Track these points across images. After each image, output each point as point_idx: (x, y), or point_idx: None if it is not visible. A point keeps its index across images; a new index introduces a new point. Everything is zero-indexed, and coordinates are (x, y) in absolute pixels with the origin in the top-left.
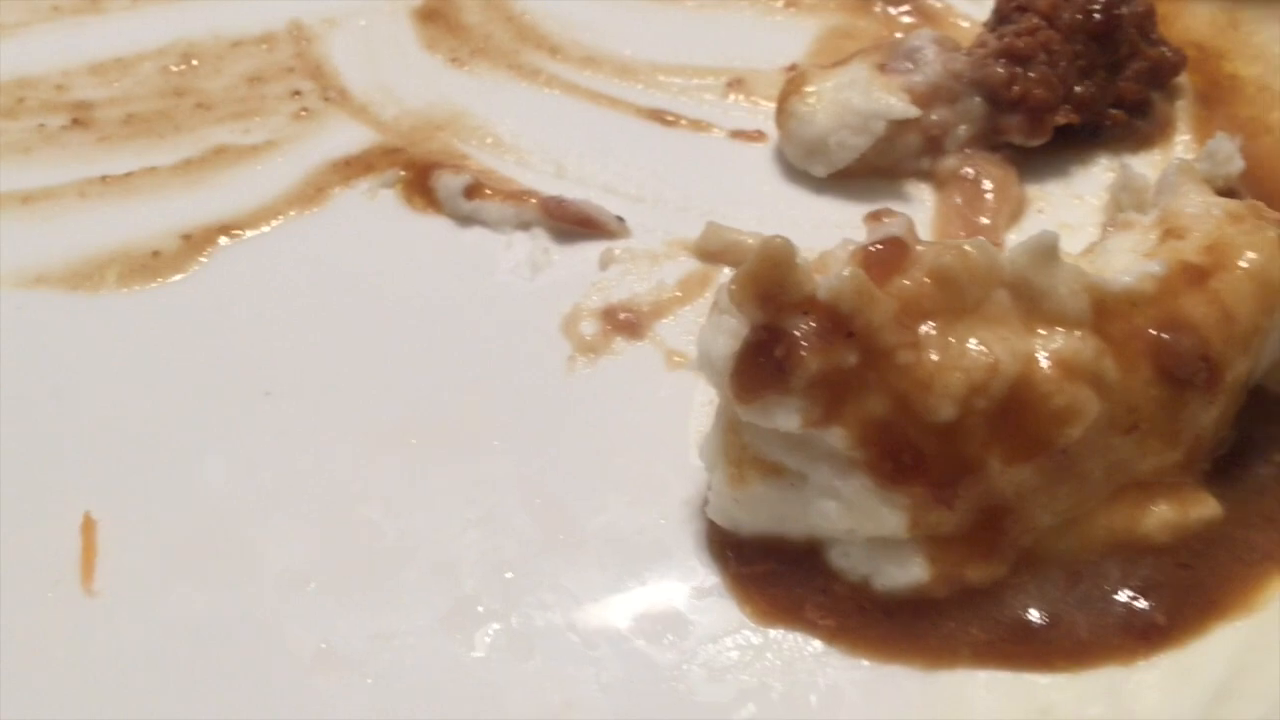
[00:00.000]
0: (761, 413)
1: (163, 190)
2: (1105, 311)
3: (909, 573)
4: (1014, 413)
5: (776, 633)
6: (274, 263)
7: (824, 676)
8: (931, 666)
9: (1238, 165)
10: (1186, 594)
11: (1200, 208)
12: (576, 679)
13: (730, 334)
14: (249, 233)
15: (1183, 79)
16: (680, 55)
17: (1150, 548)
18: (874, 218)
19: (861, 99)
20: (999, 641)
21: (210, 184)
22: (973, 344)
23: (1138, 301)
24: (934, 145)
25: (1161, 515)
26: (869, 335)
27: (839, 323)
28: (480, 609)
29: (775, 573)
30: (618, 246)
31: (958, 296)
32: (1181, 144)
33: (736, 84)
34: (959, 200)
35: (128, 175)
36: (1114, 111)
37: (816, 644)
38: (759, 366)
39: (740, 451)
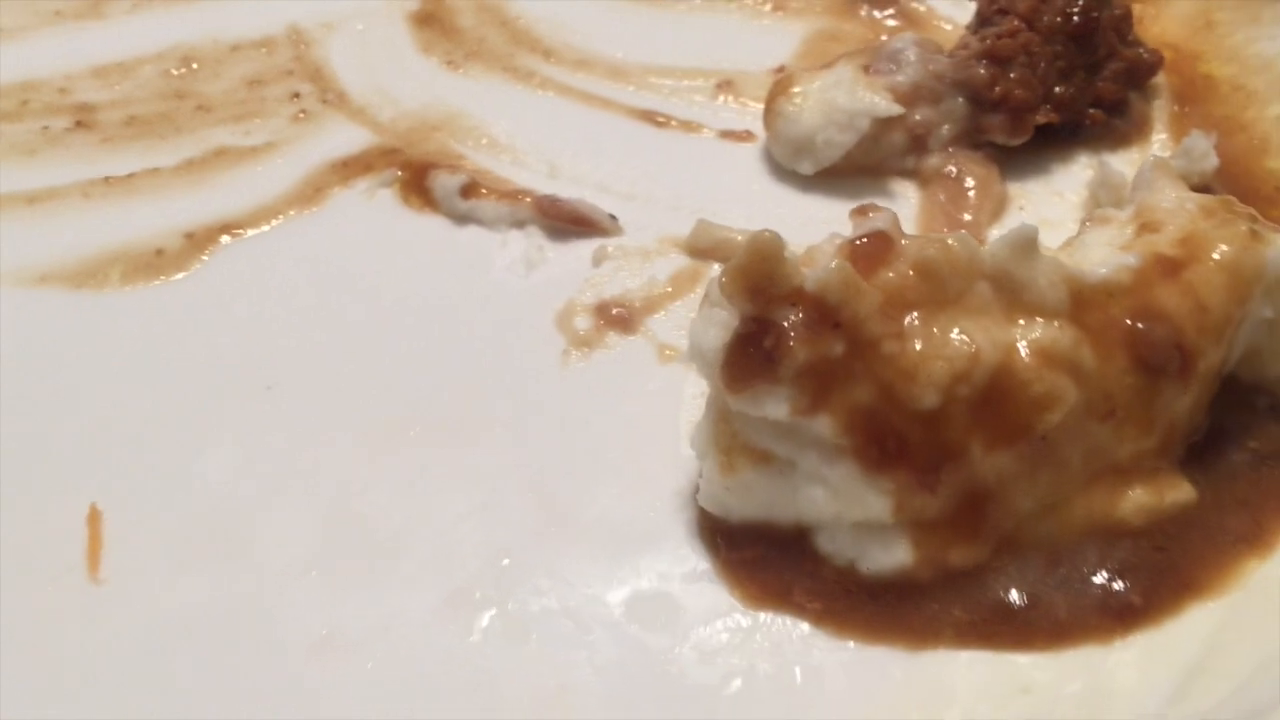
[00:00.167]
0: (751, 402)
1: (165, 190)
2: (1083, 302)
3: (894, 556)
4: (995, 400)
5: (766, 615)
6: (275, 261)
7: (812, 657)
8: (916, 647)
9: (1212, 162)
10: (1162, 575)
11: (1175, 203)
12: (571, 662)
13: (721, 326)
14: (250, 231)
15: (1159, 79)
16: (670, 58)
17: (1127, 531)
18: (860, 212)
19: (847, 98)
20: (981, 622)
21: (211, 184)
22: (955, 334)
23: (1114, 292)
24: (918, 144)
25: (1137, 500)
26: (855, 326)
27: (826, 314)
28: (477, 595)
29: (764, 557)
30: (610, 244)
31: (941, 288)
32: (1158, 142)
33: (725, 86)
34: (942, 198)
35: (130, 176)
36: (1093, 111)
37: (804, 626)
38: (748, 357)
39: (730, 440)
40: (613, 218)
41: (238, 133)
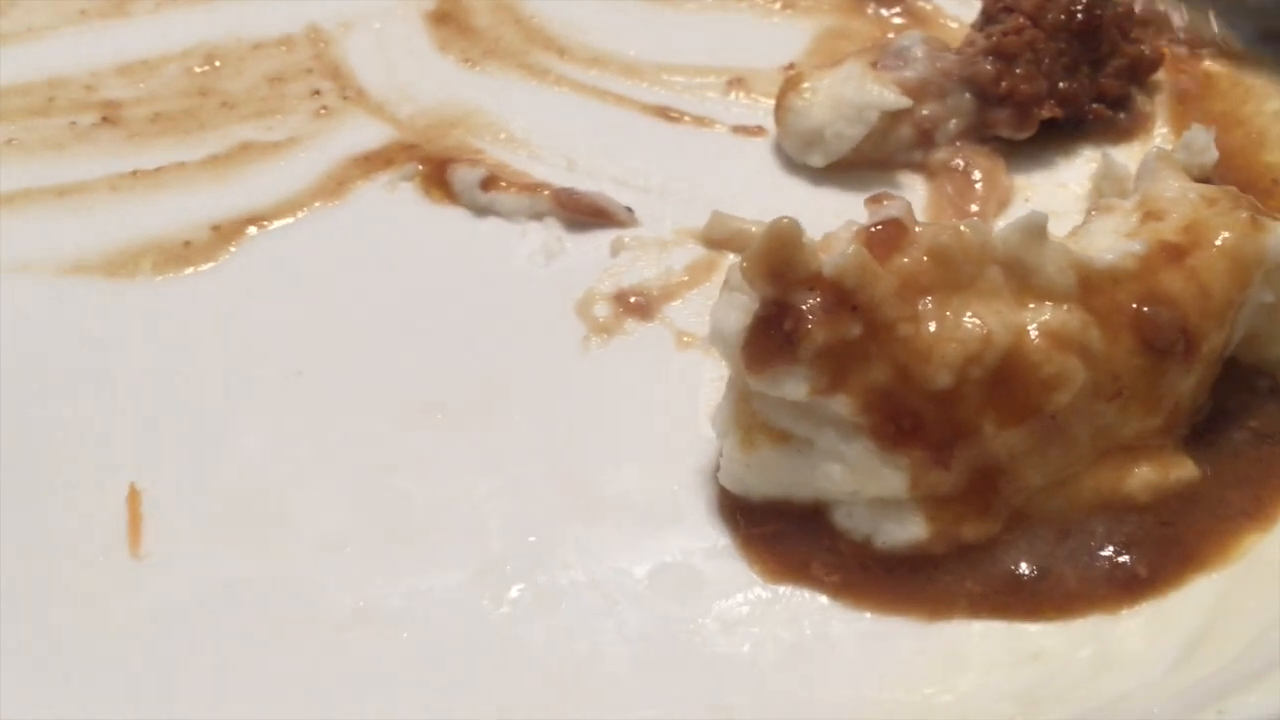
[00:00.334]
0: (771, 382)
1: (191, 184)
2: (1090, 287)
3: (909, 531)
4: (1006, 380)
5: (785, 589)
6: (300, 252)
7: (829, 628)
8: (930, 617)
9: (1212, 155)
10: (1167, 549)
11: (1178, 192)
12: (599, 631)
13: (741, 309)
14: (275, 224)
15: (1160, 75)
16: (683, 55)
17: (1133, 506)
18: (875, 200)
19: (855, 92)
20: (993, 594)
21: (237, 178)
22: (968, 317)
23: (1120, 278)
24: (925, 138)
25: (1143, 476)
26: (871, 309)
27: (843, 298)
28: (508, 568)
29: (783, 533)
30: (627, 235)
31: (953, 273)
32: (1160, 136)
33: (737, 82)
34: (950, 190)
35: (158, 170)
36: (1096, 106)
37: (822, 598)
38: (768, 339)
39: (750, 419)
40: (629, 210)
41: (260, 128)
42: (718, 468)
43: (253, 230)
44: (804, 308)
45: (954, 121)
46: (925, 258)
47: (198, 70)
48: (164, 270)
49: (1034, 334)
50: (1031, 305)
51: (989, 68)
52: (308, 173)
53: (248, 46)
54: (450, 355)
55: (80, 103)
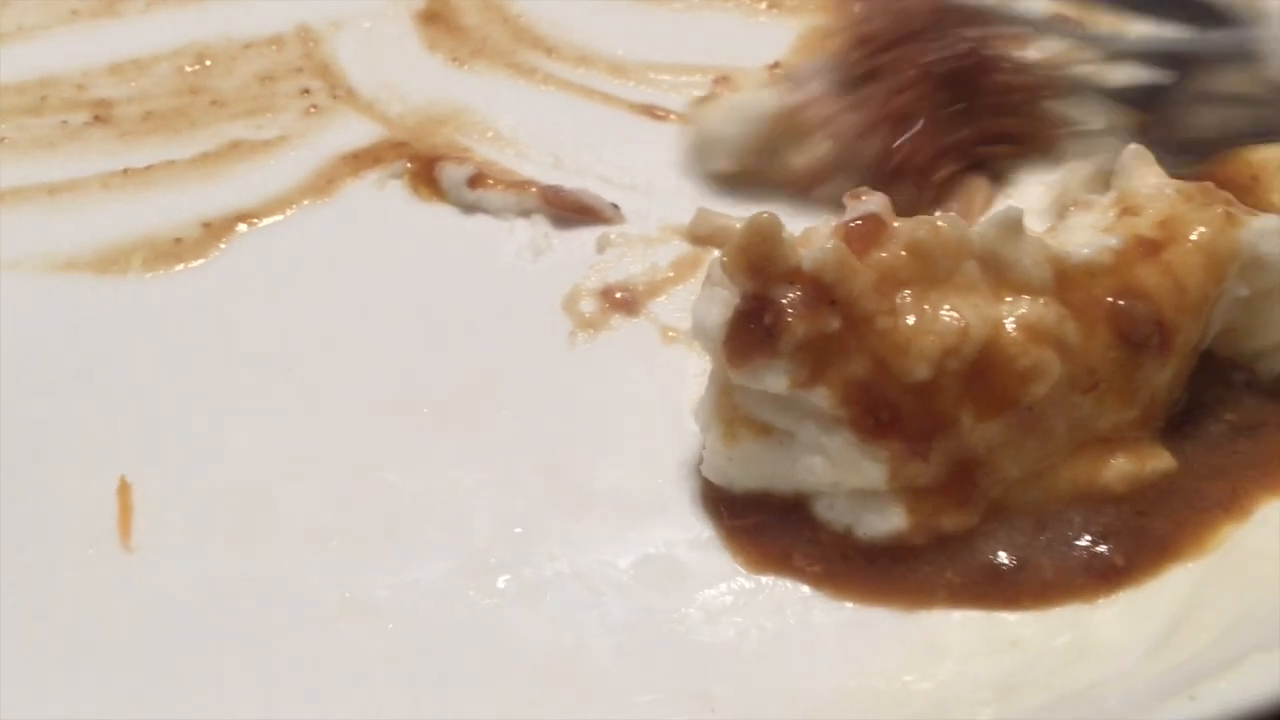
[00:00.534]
0: (752, 375)
1: (182, 182)
2: (1067, 281)
3: (889, 522)
4: (983, 373)
5: (767, 579)
6: (290, 249)
7: (811, 617)
8: (910, 607)
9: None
10: (1143, 539)
11: (1155, 188)
12: (584, 622)
13: (722, 304)
14: (265, 221)
15: None
16: (669, 54)
17: (1110, 497)
18: (853, 196)
19: (740, 101)
20: (972, 583)
21: (227, 176)
22: (945, 311)
23: (1096, 272)
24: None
25: (1120, 468)
26: (850, 303)
27: (822, 292)
28: (493, 561)
29: (765, 524)
30: (613, 231)
31: (931, 267)
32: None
33: (722, 81)
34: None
35: (148, 168)
36: (986, 149)
37: (804, 588)
38: (749, 333)
39: (732, 412)
40: (615, 206)
41: (250, 127)
42: (701, 461)
43: (243, 227)
44: (784, 302)
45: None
46: (903, 252)
47: (188, 69)
48: (154, 267)
49: (1011, 327)
50: (1008, 299)
51: (873, 148)
52: (297, 170)
53: (238, 45)
54: (438, 350)
55: (72, 102)
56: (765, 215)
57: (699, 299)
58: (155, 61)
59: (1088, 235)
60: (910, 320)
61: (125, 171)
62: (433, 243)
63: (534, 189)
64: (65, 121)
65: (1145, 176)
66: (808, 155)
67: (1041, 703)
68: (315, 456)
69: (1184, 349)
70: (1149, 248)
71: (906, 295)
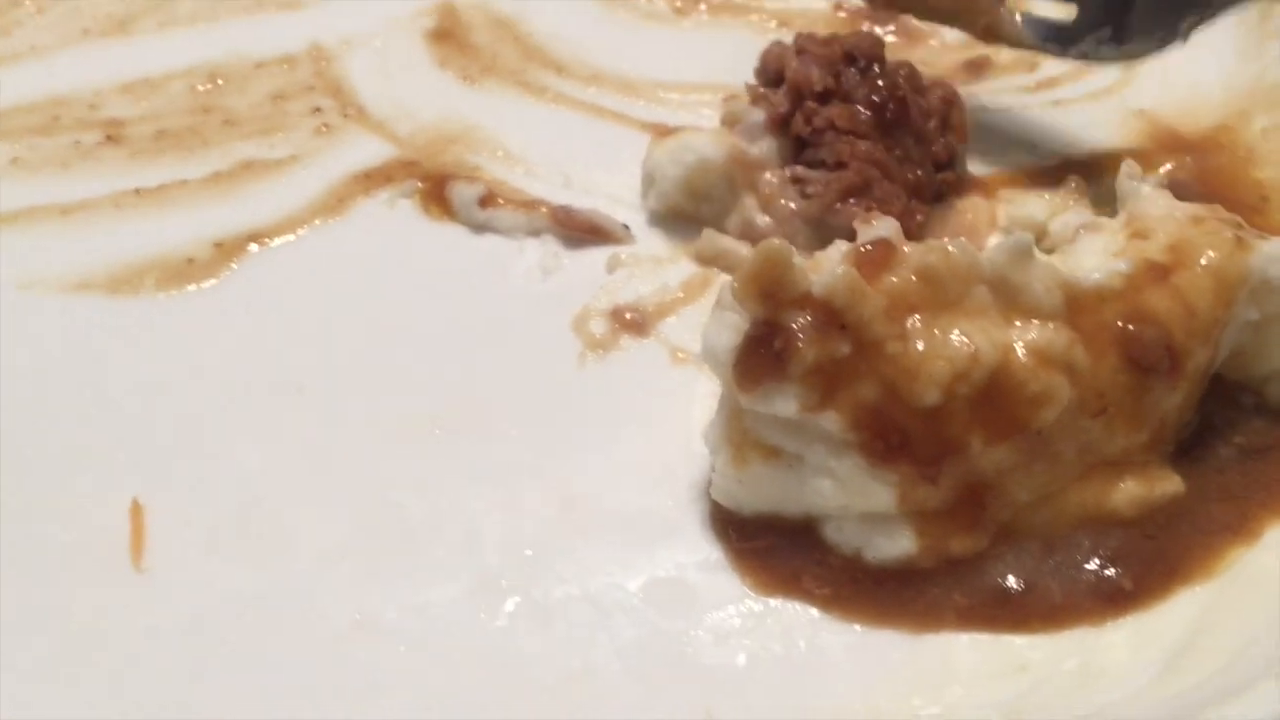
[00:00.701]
0: (762, 400)
1: (194, 201)
2: (1076, 305)
3: (898, 545)
4: (993, 398)
5: (776, 601)
6: (301, 268)
7: (820, 640)
8: (919, 630)
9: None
10: (1151, 562)
11: (1164, 211)
12: (593, 644)
13: (733, 328)
14: (277, 240)
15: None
16: (679, 73)
17: (1118, 521)
18: (863, 220)
19: (687, 139)
20: (980, 606)
21: (239, 195)
22: (955, 335)
23: (1106, 296)
24: None
25: (1129, 491)
26: (860, 328)
27: (833, 317)
28: (503, 583)
29: (774, 547)
30: (623, 251)
31: (941, 292)
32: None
33: (732, 100)
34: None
35: (160, 188)
36: (943, 176)
37: (813, 611)
38: (759, 357)
39: (742, 436)
40: (625, 227)
41: (263, 146)
42: (710, 483)
43: (254, 247)
44: (794, 327)
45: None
46: (913, 277)
47: (200, 88)
48: (167, 287)
49: (1021, 352)
50: (1018, 324)
51: (846, 216)
52: (309, 190)
53: (250, 64)
54: (448, 370)
55: (84, 121)
56: (776, 241)
57: (709, 323)
58: (167, 81)
59: (1097, 259)
60: (920, 345)
61: (138, 191)
62: (443, 262)
63: (544, 209)
64: (78, 141)
65: (1155, 199)
66: (745, 220)
67: None
68: (326, 477)
69: (1193, 373)
70: (1158, 272)
71: (917, 320)
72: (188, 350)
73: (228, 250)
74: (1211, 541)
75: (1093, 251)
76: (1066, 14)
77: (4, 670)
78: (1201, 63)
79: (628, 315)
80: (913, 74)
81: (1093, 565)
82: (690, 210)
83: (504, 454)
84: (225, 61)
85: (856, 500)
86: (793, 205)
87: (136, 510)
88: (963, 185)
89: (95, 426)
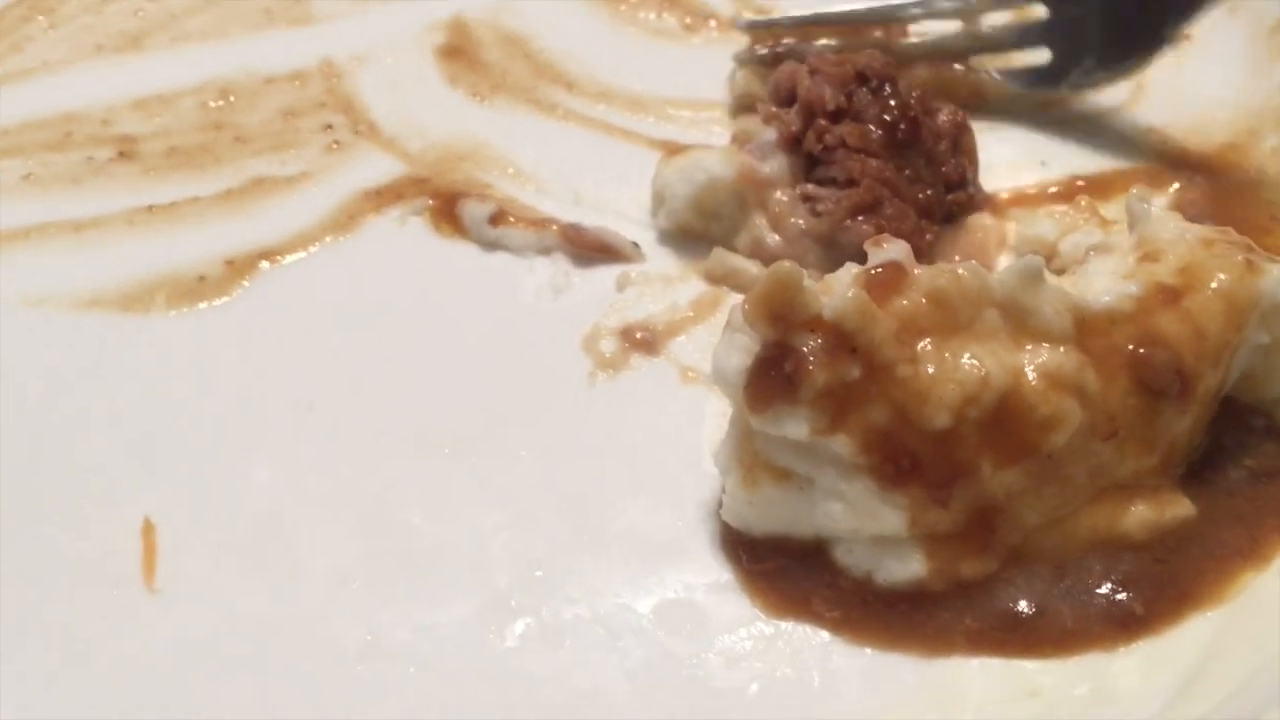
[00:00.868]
0: (772, 422)
1: (206, 218)
2: (1087, 328)
3: (908, 568)
4: (1004, 421)
5: (786, 624)
6: (312, 286)
7: (830, 663)
8: (929, 653)
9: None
10: (1162, 587)
11: (1175, 233)
12: (603, 666)
13: (743, 350)
14: (288, 258)
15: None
16: (689, 90)
17: (1129, 545)
18: (874, 243)
19: (697, 157)
20: (991, 630)
21: (250, 212)
22: (966, 358)
23: (1117, 319)
24: None
25: (1140, 515)
26: (871, 351)
27: (843, 340)
28: (513, 603)
29: (785, 569)
30: (633, 270)
31: (952, 315)
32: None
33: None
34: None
35: (172, 204)
36: (952, 196)
37: (823, 634)
38: (770, 380)
39: (752, 457)
40: (635, 245)
41: (274, 163)
42: (720, 504)
43: (265, 264)
44: (805, 349)
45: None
46: (924, 300)
47: (212, 105)
48: (178, 305)
49: (1031, 375)
50: (1029, 347)
51: (856, 234)
52: (319, 207)
53: (261, 81)
54: (458, 389)
55: (96, 137)
56: (786, 263)
57: (720, 344)
58: (179, 97)
59: (1108, 281)
60: (931, 368)
61: (150, 208)
62: (453, 280)
63: (555, 227)
64: (90, 157)
65: (1165, 221)
66: (755, 239)
67: None
68: (337, 497)
69: (1204, 396)
70: (1169, 295)
71: (927, 343)
72: (199, 368)
73: (239, 268)
74: (1223, 566)
75: (1103, 273)
76: (1039, 59)
77: (15, 687)
78: (1212, 81)
79: (638, 334)
80: (924, 95)
81: (1104, 589)
82: (700, 228)
83: (514, 473)
84: (236, 78)
85: (867, 523)
86: (802, 224)
87: (148, 529)
88: (974, 205)
89: (107, 445)
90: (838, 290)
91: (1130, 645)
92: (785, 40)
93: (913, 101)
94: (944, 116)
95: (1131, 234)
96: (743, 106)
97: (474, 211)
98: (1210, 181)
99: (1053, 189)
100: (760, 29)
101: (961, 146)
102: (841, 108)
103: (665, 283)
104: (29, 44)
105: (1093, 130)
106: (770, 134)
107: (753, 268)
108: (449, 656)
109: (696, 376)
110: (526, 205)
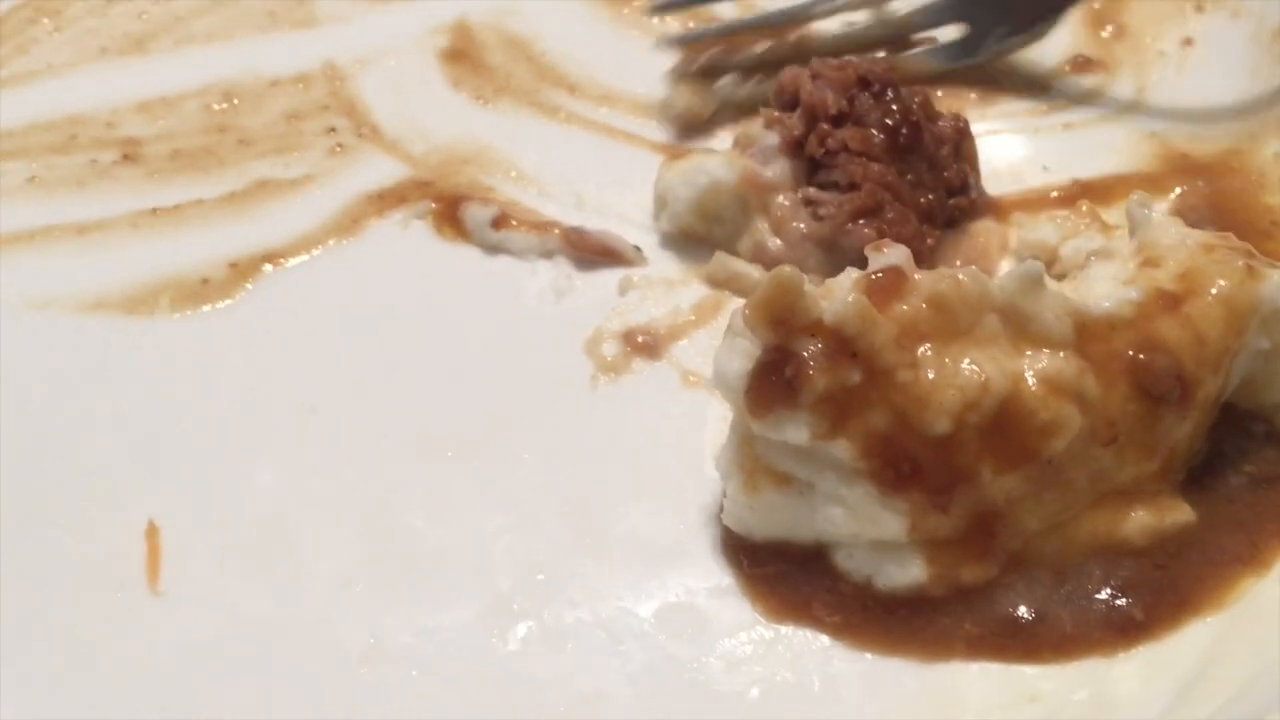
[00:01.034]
0: (773, 426)
1: (209, 221)
2: (1087, 334)
3: (908, 573)
4: (1004, 426)
5: (787, 628)
6: (315, 289)
7: (831, 667)
8: (929, 658)
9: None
10: (1162, 592)
11: (1176, 239)
12: (604, 669)
13: (744, 355)
14: (291, 261)
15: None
16: None
17: (1129, 550)
18: (875, 248)
19: (699, 161)
20: (991, 636)
21: (254, 215)
22: (966, 364)
23: (1117, 325)
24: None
25: (1140, 520)
26: (871, 356)
27: (843, 345)
28: (515, 607)
29: (785, 573)
30: (635, 274)
31: (952, 320)
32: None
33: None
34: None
35: (176, 207)
36: (954, 201)
37: (823, 639)
38: (770, 384)
39: (753, 462)
40: (637, 249)
41: (277, 165)
42: (721, 508)
43: (268, 267)
44: (805, 354)
45: None
46: (924, 305)
47: (216, 107)
48: (181, 307)
49: (1031, 381)
50: (1029, 352)
51: (855, 235)
52: (323, 210)
53: (265, 83)
54: (460, 393)
55: (101, 140)
56: (787, 268)
57: (720, 349)
58: (183, 99)
59: (1108, 287)
60: (931, 373)
61: (154, 211)
62: (456, 284)
63: (557, 230)
64: (94, 160)
65: (1166, 227)
66: (757, 243)
67: None
68: (340, 500)
69: (1204, 402)
70: (1169, 301)
71: (927, 348)
72: (202, 371)
73: (242, 270)
74: (1223, 572)
75: (1104, 279)
76: (960, 33)
77: (19, 689)
78: (1214, 86)
79: (640, 338)
80: (926, 101)
81: (1104, 595)
82: (702, 232)
83: (516, 477)
84: (240, 80)
85: (867, 528)
86: (804, 228)
87: (152, 531)
88: (975, 210)
89: (110, 447)
90: (838, 295)
91: (1130, 651)
92: (712, 50)
93: (914, 106)
94: (946, 121)
95: (1132, 239)
96: (686, 124)
97: (476, 215)
98: (1212, 186)
99: (1054, 193)
100: (686, 39)
101: (963, 151)
102: (844, 112)
103: (667, 286)
104: (34, 46)
105: (1095, 135)
106: (772, 138)
107: (754, 272)
108: (451, 659)
109: (698, 380)
110: (529, 208)
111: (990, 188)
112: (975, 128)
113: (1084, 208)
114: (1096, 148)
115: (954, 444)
